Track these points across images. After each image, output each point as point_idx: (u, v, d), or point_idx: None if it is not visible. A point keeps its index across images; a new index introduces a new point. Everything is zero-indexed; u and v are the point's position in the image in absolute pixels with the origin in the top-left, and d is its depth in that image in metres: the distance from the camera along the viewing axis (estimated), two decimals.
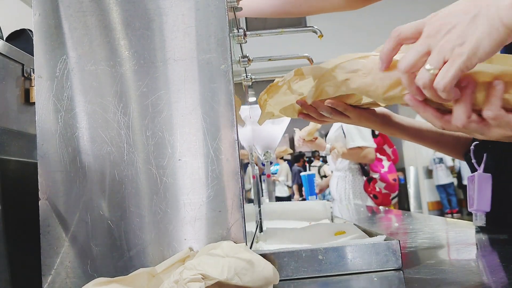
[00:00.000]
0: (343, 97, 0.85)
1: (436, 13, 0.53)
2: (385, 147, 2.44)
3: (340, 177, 2.48)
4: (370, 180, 2.36)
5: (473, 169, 0.86)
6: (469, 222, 0.99)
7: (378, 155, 2.39)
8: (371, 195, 2.36)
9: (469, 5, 0.50)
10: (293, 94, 0.80)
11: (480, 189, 0.82)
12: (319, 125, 2.29)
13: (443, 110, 0.57)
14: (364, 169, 2.42)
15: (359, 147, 2.33)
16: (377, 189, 2.33)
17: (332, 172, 2.70)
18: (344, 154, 2.35)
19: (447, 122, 0.57)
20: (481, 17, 0.49)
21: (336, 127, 2.46)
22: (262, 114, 0.94)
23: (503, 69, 0.52)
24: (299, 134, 2.28)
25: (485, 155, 0.84)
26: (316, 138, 2.36)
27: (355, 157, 2.36)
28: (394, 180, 2.35)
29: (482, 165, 0.84)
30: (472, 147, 0.87)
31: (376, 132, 2.41)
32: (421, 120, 0.98)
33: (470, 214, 0.88)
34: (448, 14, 0.52)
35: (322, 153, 2.38)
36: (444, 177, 8.17)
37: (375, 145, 2.36)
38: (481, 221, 0.84)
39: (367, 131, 2.33)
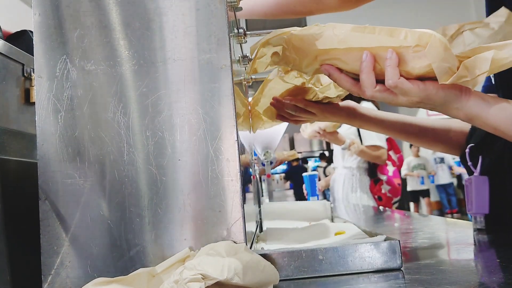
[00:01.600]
0: (301, 94, 0.88)
1: None
2: (391, 152, 2.46)
3: (347, 175, 2.49)
4: (376, 182, 2.38)
5: (470, 172, 0.86)
6: (469, 222, 0.99)
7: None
8: (376, 196, 2.37)
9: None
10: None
11: (477, 192, 0.83)
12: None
13: (358, 79, 0.64)
14: (372, 170, 2.43)
15: (375, 146, 2.33)
16: (383, 191, 2.35)
17: (334, 169, 2.69)
18: (361, 151, 2.34)
19: (360, 90, 0.64)
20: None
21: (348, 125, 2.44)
22: (254, 122, 0.95)
23: (400, 43, 0.57)
24: (318, 125, 2.22)
25: (480, 157, 0.84)
26: (337, 132, 2.35)
27: (369, 156, 2.35)
28: (399, 184, 2.38)
29: (478, 168, 0.84)
30: (467, 149, 0.88)
31: (385, 137, 2.42)
32: (404, 115, 0.98)
33: None
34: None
35: (340, 147, 2.36)
36: (444, 177, 8.17)
37: (387, 147, 2.37)
38: (480, 223, 0.84)
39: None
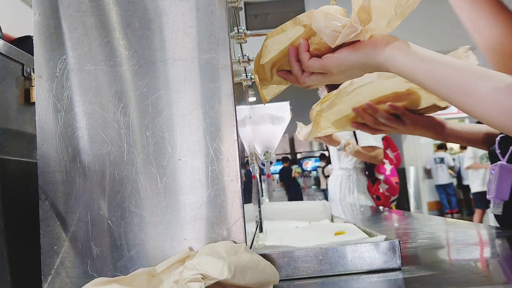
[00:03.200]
0: (398, 100, 0.86)
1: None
2: (388, 151, 2.45)
3: (344, 176, 2.49)
4: (374, 181, 2.38)
5: (496, 160, 0.87)
6: (468, 222, 0.99)
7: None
8: (374, 196, 2.37)
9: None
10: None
11: (500, 178, 0.84)
12: None
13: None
14: (369, 170, 2.43)
15: (371, 146, 2.33)
16: (381, 191, 2.35)
17: (332, 170, 2.69)
18: (357, 152, 2.34)
19: (295, 81, 0.72)
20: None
21: None
22: (313, 129, 0.91)
23: (304, 28, 0.64)
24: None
25: (511, 148, 0.85)
26: (331, 134, 2.35)
27: (365, 156, 2.36)
28: (397, 183, 2.37)
29: (507, 157, 0.85)
30: (498, 138, 0.88)
31: (381, 137, 2.41)
32: (485, 126, 0.98)
33: (470, 214, 0.88)
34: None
35: (336, 148, 2.38)
36: (444, 177, 8.16)
37: (383, 147, 2.37)
38: (497, 209, 0.85)
39: None
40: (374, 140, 2.33)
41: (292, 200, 1.46)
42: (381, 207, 2.16)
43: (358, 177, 2.45)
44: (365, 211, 1.81)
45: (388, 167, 2.40)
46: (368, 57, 0.63)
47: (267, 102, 0.85)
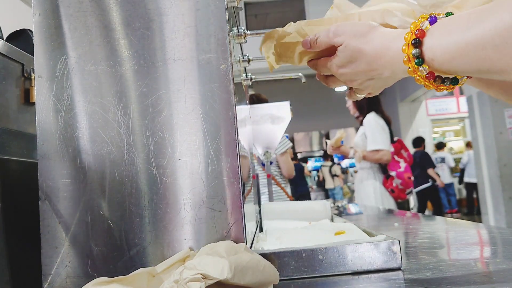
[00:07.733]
0: None
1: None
2: (402, 151, 2.81)
3: (363, 174, 2.83)
4: (388, 177, 2.72)
5: None
6: (468, 222, 0.99)
7: (396, 158, 2.76)
8: (389, 190, 2.70)
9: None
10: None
11: None
12: (344, 135, 2.80)
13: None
14: (383, 168, 2.77)
15: (376, 150, 2.68)
16: (394, 185, 2.68)
17: (356, 171, 3.10)
18: (364, 157, 2.72)
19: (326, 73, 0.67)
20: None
21: (360, 133, 2.84)
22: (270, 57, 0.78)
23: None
24: (329, 143, 2.80)
25: None
26: (341, 146, 2.82)
27: (372, 159, 2.72)
28: (409, 178, 2.71)
29: None
30: None
31: (395, 139, 2.79)
32: None
33: (469, 214, 0.88)
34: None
35: (349, 156, 2.87)
36: (444, 177, 8.16)
37: (390, 149, 2.70)
38: None
39: (386, 136, 2.68)
40: (381, 143, 2.66)
41: (300, 200, 1.47)
42: (381, 207, 2.19)
43: (375, 175, 2.78)
44: (366, 211, 1.81)
45: (403, 165, 2.75)
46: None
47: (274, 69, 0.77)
